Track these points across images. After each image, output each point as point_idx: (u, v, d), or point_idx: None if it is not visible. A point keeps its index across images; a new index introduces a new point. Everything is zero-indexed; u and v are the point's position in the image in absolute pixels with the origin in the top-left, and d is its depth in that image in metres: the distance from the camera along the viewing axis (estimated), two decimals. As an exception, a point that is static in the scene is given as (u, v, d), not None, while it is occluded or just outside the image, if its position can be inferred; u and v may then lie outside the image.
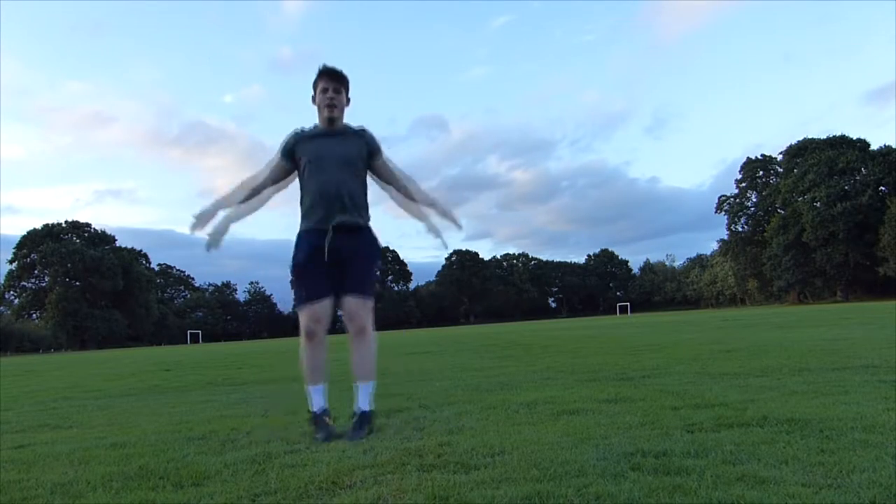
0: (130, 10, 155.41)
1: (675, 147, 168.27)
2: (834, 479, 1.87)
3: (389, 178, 3.46)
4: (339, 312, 3.29)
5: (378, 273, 3.43)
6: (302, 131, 3.35)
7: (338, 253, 3.20)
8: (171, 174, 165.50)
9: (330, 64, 3.28)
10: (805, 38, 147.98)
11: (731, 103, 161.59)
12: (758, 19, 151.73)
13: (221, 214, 3.42)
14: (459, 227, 3.62)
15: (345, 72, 3.30)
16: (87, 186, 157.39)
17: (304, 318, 3.21)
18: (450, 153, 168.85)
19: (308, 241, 3.23)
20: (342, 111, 3.32)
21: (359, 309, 3.19)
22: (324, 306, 3.21)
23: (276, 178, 3.41)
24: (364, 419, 3.16)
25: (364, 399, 3.22)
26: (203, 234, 3.38)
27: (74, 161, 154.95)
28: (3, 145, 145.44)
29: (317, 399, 3.25)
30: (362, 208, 3.31)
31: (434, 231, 3.61)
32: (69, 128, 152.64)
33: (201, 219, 3.38)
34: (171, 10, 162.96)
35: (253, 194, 3.42)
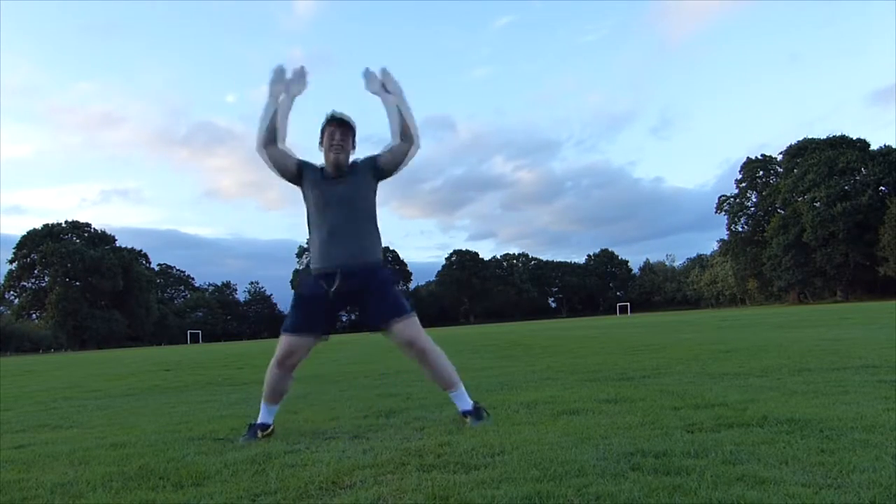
0: (142, 11, 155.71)
1: (680, 147, 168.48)
2: (834, 479, 1.87)
3: (398, 153, 3.44)
4: (394, 341, 3.34)
5: (402, 293, 3.45)
6: (313, 167, 3.41)
7: (352, 292, 3.26)
8: (177, 174, 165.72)
9: (338, 112, 3.36)
10: (812, 38, 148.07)
11: (737, 103, 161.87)
12: (764, 20, 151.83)
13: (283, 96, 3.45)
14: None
15: (353, 120, 3.39)
16: (93, 186, 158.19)
17: (281, 345, 3.26)
18: (456, 153, 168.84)
19: (313, 284, 3.29)
20: (348, 156, 3.38)
21: (409, 330, 3.26)
22: (304, 342, 3.27)
23: (280, 159, 3.40)
24: (477, 412, 3.29)
25: (462, 401, 3.36)
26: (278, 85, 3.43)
27: (82, 161, 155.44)
28: (12, 145, 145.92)
29: (264, 415, 3.31)
30: (370, 247, 3.34)
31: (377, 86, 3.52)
32: (78, 128, 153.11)
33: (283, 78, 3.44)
34: (183, 11, 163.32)
35: (276, 133, 3.43)
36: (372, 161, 3.42)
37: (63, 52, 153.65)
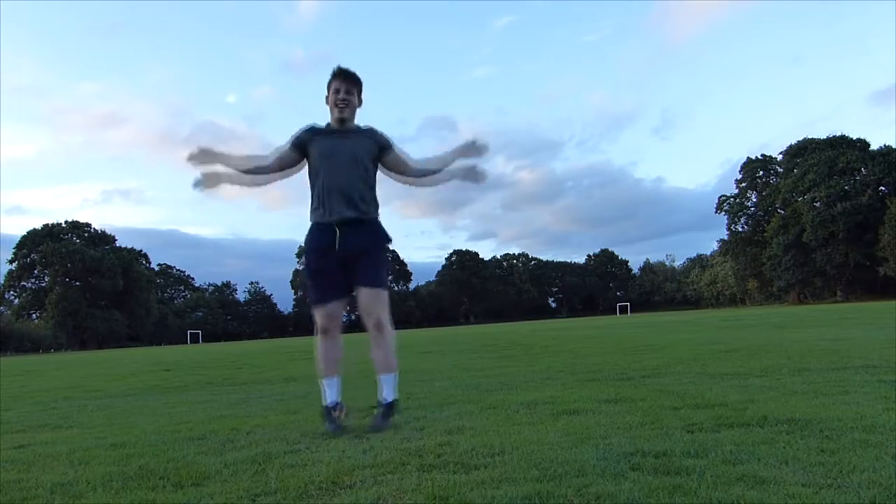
0: (145, 12, 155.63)
1: (682, 147, 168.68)
2: (834, 479, 1.87)
3: (405, 168, 3.51)
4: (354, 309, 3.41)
5: (388, 264, 3.50)
6: (315, 127, 3.44)
7: (346, 248, 3.30)
8: (178, 174, 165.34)
9: (344, 65, 3.37)
10: (813, 38, 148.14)
11: (738, 104, 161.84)
12: (767, 20, 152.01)
13: (220, 167, 3.47)
14: (480, 175, 3.63)
15: (358, 74, 3.39)
16: (95, 186, 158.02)
17: (318, 317, 3.34)
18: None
19: (318, 240, 3.34)
20: (353, 112, 3.40)
21: (372, 301, 3.29)
22: (337, 306, 3.37)
23: (282, 166, 3.46)
24: (389, 409, 3.29)
25: (388, 390, 3.33)
26: (197, 168, 3.42)
27: (84, 161, 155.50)
28: (14, 145, 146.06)
29: (330, 392, 3.36)
30: (369, 202, 3.39)
31: (468, 174, 3.62)
32: (81, 128, 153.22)
33: (202, 155, 3.41)
34: (187, 11, 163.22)
35: (256, 171, 3.47)
36: (380, 143, 3.45)
37: (66, 53, 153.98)
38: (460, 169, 3.60)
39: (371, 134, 3.44)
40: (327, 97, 3.39)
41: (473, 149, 3.60)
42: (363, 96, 3.46)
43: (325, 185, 3.31)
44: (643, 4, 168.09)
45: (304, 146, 3.41)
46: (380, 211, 3.50)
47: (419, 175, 3.56)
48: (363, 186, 3.37)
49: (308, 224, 3.44)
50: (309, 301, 3.37)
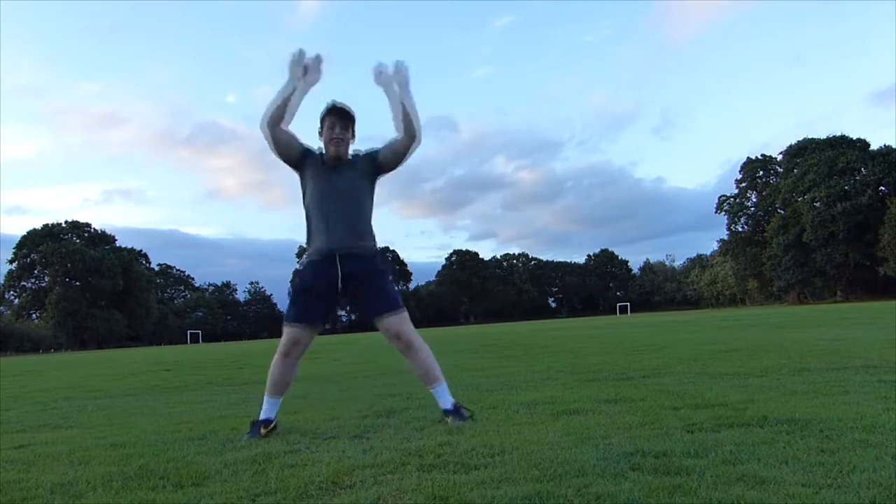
0: (146, 12, 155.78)
1: (682, 147, 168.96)
2: (834, 479, 1.87)
3: (399, 148, 3.43)
4: (383, 333, 3.39)
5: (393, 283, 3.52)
6: (315, 153, 3.42)
7: (352, 277, 3.31)
8: (179, 174, 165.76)
9: (339, 102, 3.36)
10: (814, 39, 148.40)
11: (739, 104, 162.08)
12: (767, 20, 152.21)
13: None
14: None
15: (352, 110, 3.39)
16: (95, 186, 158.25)
17: (285, 336, 3.32)
18: (458, 153, 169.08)
19: (318, 264, 3.32)
20: (348, 147, 3.42)
21: (399, 325, 3.31)
22: (307, 331, 3.33)
23: (287, 141, 3.36)
24: (457, 412, 3.30)
25: (445, 398, 3.36)
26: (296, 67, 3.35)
27: (84, 161, 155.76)
28: (15, 145, 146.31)
29: (267, 408, 3.34)
30: (366, 235, 3.40)
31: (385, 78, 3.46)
32: (81, 128, 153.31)
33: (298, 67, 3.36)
34: (187, 11, 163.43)
35: (285, 115, 3.36)
36: (372, 156, 3.45)
37: (67, 53, 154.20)
38: (393, 90, 3.45)
39: (363, 162, 3.44)
40: (321, 131, 3.39)
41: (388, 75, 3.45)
42: (356, 130, 3.46)
43: (323, 224, 3.32)
44: (643, 4, 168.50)
45: (303, 161, 3.41)
46: (376, 213, 3.52)
47: (408, 134, 3.40)
48: (362, 219, 3.40)
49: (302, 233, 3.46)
50: (284, 317, 3.34)
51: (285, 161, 3.41)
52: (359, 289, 3.34)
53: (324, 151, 3.41)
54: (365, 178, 3.43)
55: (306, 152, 3.41)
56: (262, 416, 3.31)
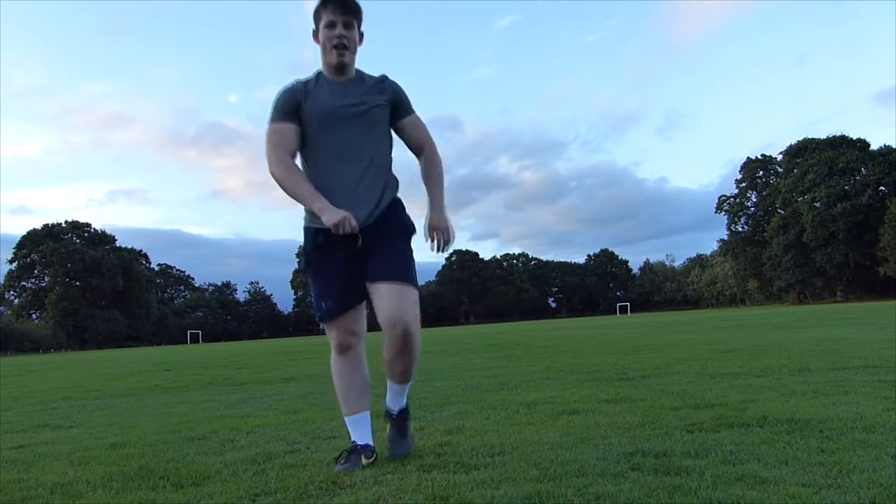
0: (154, 12, 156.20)
1: (686, 147, 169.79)
2: (834, 479, 1.86)
3: (417, 142, 2.61)
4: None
5: (413, 256, 2.55)
6: (303, 82, 2.52)
7: (367, 242, 2.44)
8: (184, 174, 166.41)
9: None
10: (817, 39, 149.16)
11: (742, 104, 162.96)
12: (771, 21, 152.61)
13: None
14: (436, 251, 2.56)
15: (357, 1, 2.49)
16: (100, 186, 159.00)
17: (333, 333, 2.49)
18: (462, 153, 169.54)
19: (322, 238, 2.44)
20: (354, 52, 2.51)
21: (397, 302, 2.35)
22: (357, 314, 2.52)
23: (295, 150, 2.50)
24: (402, 420, 2.61)
25: (399, 397, 2.62)
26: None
27: (90, 161, 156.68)
28: (21, 145, 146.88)
29: (358, 431, 2.52)
30: (387, 183, 2.51)
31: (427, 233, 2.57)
32: (88, 128, 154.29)
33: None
34: (195, 12, 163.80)
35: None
36: (397, 93, 2.56)
37: (76, 53, 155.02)
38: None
39: (382, 87, 2.54)
40: (315, 32, 2.51)
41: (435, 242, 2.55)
42: (363, 29, 2.55)
43: (327, 166, 2.45)
44: (648, 5, 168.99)
45: (300, 109, 2.46)
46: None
47: (423, 163, 2.62)
48: (378, 156, 2.49)
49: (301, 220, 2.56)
50: (315, 313, 2.51)
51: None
52: (367, 250, 2.45)
53: (321, 67, 2.54)
54: (379, 105, 2.50)
55: (294, 98, 2.46)
56: (359, 441, 2.48)
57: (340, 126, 2.46)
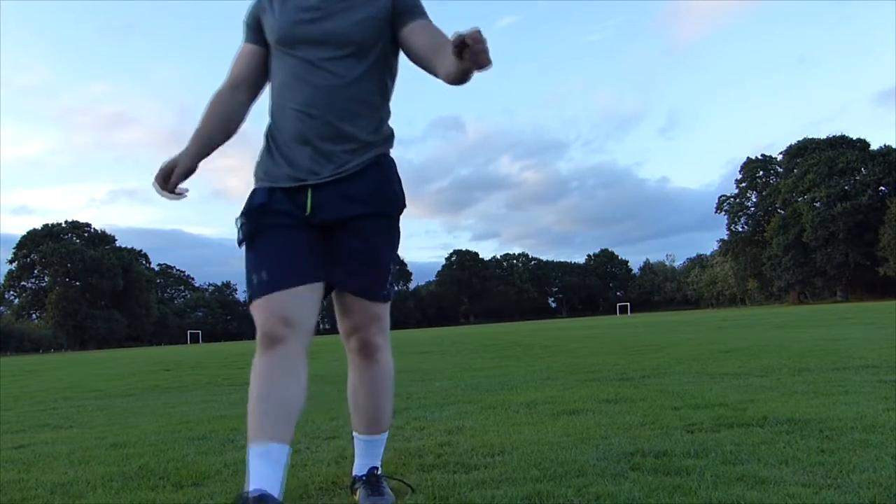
0: (158, 12, 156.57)
1: (686, 147, 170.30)
2: (834, 479, 1.86)
3: (430, 51, 1.74)
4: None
5: (396, 248, 1.89)
6: None
7: (323, 213, 1.76)
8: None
9: None
10: (819, 40, 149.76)
11: (744, 104, 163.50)
12: (773, 22, 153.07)
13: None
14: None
15: None
16: (102, 186, 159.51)
17: (260, 317, 1.72)
18: (464, 153, 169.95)
19: (270, 197, 1.78)
20: None
21: (364, 315, 1.85)
22: (299, 298, 1.71)
23: (251, 78, 1.90)
24: (372, 479, 1.93)
25: (370, 455, 1.99)
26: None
27: (92, 161, 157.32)
28: (23, 145, 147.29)
29: (260, 471, 1.58)
30: (369, 129, 1.80)
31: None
32: (90, 128, 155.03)
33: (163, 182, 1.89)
34: (198, 11, 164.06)
35: (221, 120, 1.90)
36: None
37: (77, 54, 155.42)
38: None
39: None
40: None
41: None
42: None
43: (288, 106, 1.77)
44: (650, 5, 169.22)
45: (261, 26, 1.87)
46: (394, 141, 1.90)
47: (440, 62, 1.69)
48: (361, 93, 1.78)
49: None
50: (247, 289, 1.80)
51: (262, 63, 1.89)
52: (331, 231, 1.78)
53: None
54: (371, 17, 1.78)
55: (259, 15, 1.86)
56: (251, 490, 1.53)
57: (305, 49, 1.75)
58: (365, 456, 1.99)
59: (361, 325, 1.87)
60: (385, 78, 1.87)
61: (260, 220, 1.78)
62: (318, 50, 1.76)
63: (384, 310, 1.90)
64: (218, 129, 1.91)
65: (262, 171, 1.84)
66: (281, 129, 1.80)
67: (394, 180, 1.87)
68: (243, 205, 1.84)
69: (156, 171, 1.88)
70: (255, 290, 1.75)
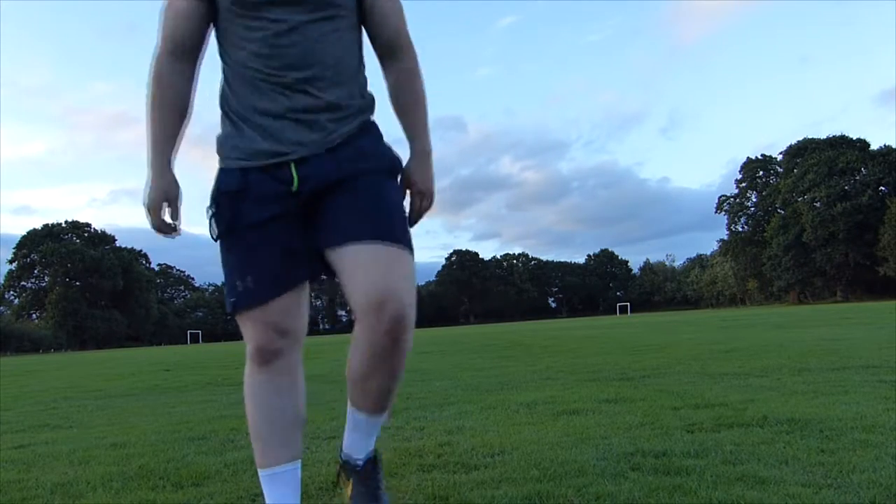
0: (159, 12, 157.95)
1: (688, 147, 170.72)
2: (834, 479, 1.86)
3: (390, 34, 1.68)
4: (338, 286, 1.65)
5: (403, 204, 1.64)
6: None
7: (311, 181, 1.52)
8: (188, 174, 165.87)
9: None
10: (821, 40, 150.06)
11: (746, 104, 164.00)
12: (775, 22, 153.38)
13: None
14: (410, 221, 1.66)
15: None
16: (103, 186, 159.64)
17: (251, 331, 1.54)
18: (465, 153, 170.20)
19: (245, 179, 1.53)
20: None
21: (383, 270, 1.46)
22: (293, 303, 1.55)
23: (197, 44, 1.64)
24: (369, 477, 1.72)
25: (368, 438, 1.74)
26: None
27: (93, 161, 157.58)
28: (24, 145, 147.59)
29: (278, 495, 1.55)
30: (354, 94, 1.59)
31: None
32: (92, 128, 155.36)
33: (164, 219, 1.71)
34: None
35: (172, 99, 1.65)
36: None
37: (79, 54, 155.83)
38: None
39: None
40: None
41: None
42: None
43: (250, 69, 1.52)
44: (652, 5, 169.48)
45: None
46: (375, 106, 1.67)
47: (396, 89, 1.70)
48: (341, 63, 1.57)
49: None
50: (227, 302, 1.58)
51: (202, 24, 1.61)
52: (321, 197, 1.54)
53: None
54: None
55: None
56: None
57: (277, 10, 1.50)
58: (365, 433, 1.71)
59: (387, 288, 1.44)
60: (360, 41, 1.67)
61: (236, 209, 1.52)
62: (292, 11, 1.51)
63: (410, 263, 1.53)
64: (178, 118, 1.65)
65: (229, 146, 1.57)
66: (250, 101, 1.53)
67: (387, 145, 1.65)
68: (211, 189, 1.58)
69: (150, 218, 1.69)
70: (242, 299, 1.53)
